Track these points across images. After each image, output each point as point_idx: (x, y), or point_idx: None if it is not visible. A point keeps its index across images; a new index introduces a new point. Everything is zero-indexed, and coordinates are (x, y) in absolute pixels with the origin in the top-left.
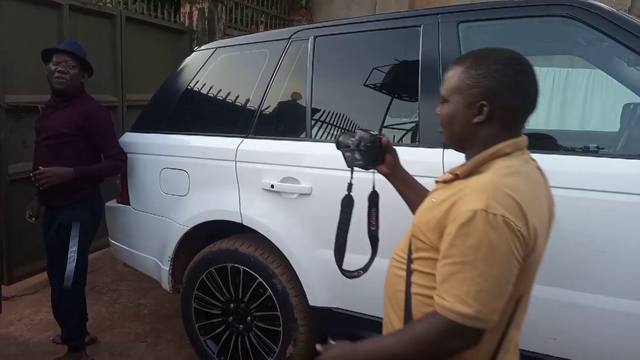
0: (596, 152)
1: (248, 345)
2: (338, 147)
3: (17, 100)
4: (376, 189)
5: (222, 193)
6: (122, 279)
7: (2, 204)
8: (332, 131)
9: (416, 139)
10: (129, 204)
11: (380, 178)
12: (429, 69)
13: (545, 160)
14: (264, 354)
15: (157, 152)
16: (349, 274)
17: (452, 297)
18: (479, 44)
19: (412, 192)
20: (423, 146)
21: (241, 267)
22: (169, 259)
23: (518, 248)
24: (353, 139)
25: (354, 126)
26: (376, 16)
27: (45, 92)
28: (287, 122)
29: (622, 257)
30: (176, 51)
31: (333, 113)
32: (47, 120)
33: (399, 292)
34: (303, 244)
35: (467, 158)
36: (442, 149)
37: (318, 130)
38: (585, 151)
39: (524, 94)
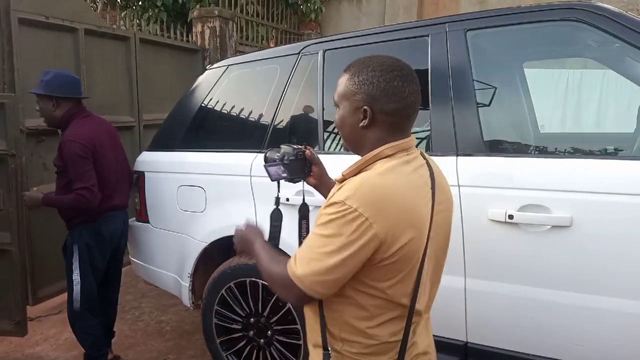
0: (614, 155)
1: None
2: (265, 162)
3: (37, 124)
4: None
5: (238, 208)
6: (143, 296)
7: (25, 225)
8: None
9: (429, 147)
10: (147, 222)
11: None
12: (438, 77)
13: (563, 164)
14: None
15: (173, 170)
16: None
17: (295, 257)
18: (488, 50)
19: None
20: (436, 154)
21: (260, 282)
22: (189, 275)
23: (366, 240)
24: (278, 154)
25: None
26: (383, 28)
27: None
28: (299, 135)
29: None
30: (189, 70)
31: None
32: None
33: None
34: None
35: None
36: (455, 157)
37: (331, 142)
38: (603, 154)
39: (401, 98)
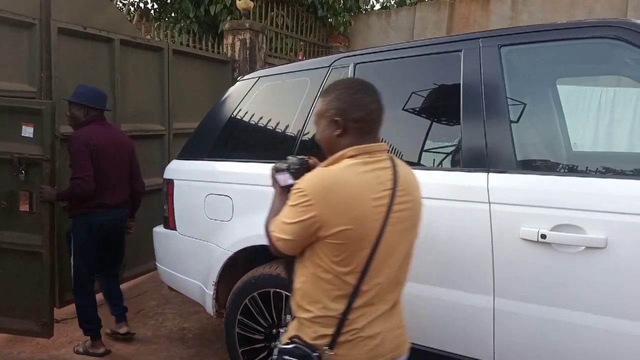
0: None
1: None
2: (275, 171)
3: (71, 130)
4: None
5: (264, 218)
6: (167, 302)
7: (54, 229)
8: None
9: (459, 162)
10: (175, 229)
11: None
12: (470, 92)
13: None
14: None
15: (202, 178)
16: None
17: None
18: (522, 66)
19: None
20: (466, 170)
21: (283, 292)
22: (213, 283)
23: (307, 217)
24: (286, 164)
25: (394, 151)
26: (416, 42)
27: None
28: None
29: None
30: (219, 81)
31: None
32: None
33: None
34: None
35: None
36: (486, 174)
37: None
38: (637, 174)
39: (364, 107)
